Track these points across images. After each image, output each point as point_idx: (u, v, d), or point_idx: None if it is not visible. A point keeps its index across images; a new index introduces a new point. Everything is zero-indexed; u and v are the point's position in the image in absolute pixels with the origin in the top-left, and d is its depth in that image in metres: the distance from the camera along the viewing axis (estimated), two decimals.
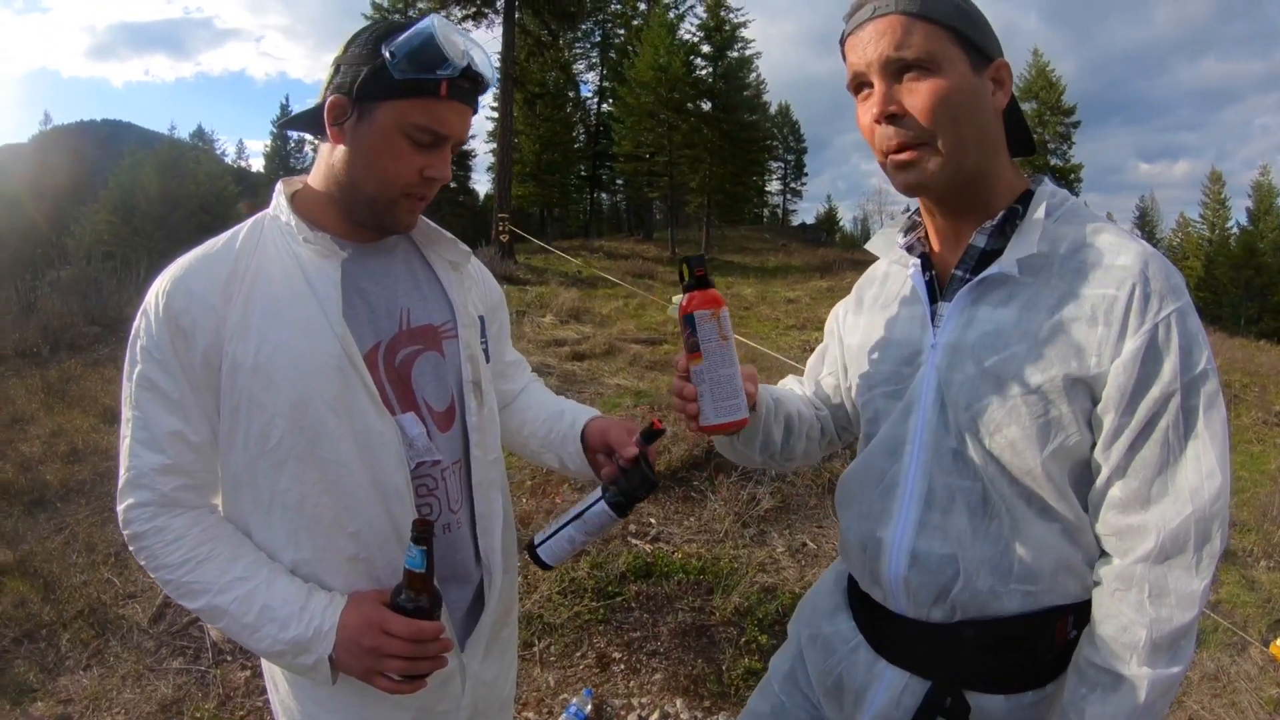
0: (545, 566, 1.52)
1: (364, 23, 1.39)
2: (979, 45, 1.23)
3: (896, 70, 1.23)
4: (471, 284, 1.60)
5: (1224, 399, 1.20)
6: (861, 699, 1.43)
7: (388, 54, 1.26)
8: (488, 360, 1.57)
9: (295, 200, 1.41)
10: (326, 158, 1.36)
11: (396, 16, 34.15)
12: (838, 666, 1.48)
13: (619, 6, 40.97)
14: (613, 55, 42.37)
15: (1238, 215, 52.24)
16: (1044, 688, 1.32)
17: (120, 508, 1.30)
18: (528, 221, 39.77)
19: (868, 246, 1.52)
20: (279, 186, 1.43)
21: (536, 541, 1.50)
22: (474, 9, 26.13)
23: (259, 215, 1.40)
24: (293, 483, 1.30)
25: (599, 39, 42.47)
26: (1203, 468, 1.16)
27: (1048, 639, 1.29)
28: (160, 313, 1.27)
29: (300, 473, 1.30)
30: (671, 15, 36.83)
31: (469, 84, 1.32)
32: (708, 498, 5.07)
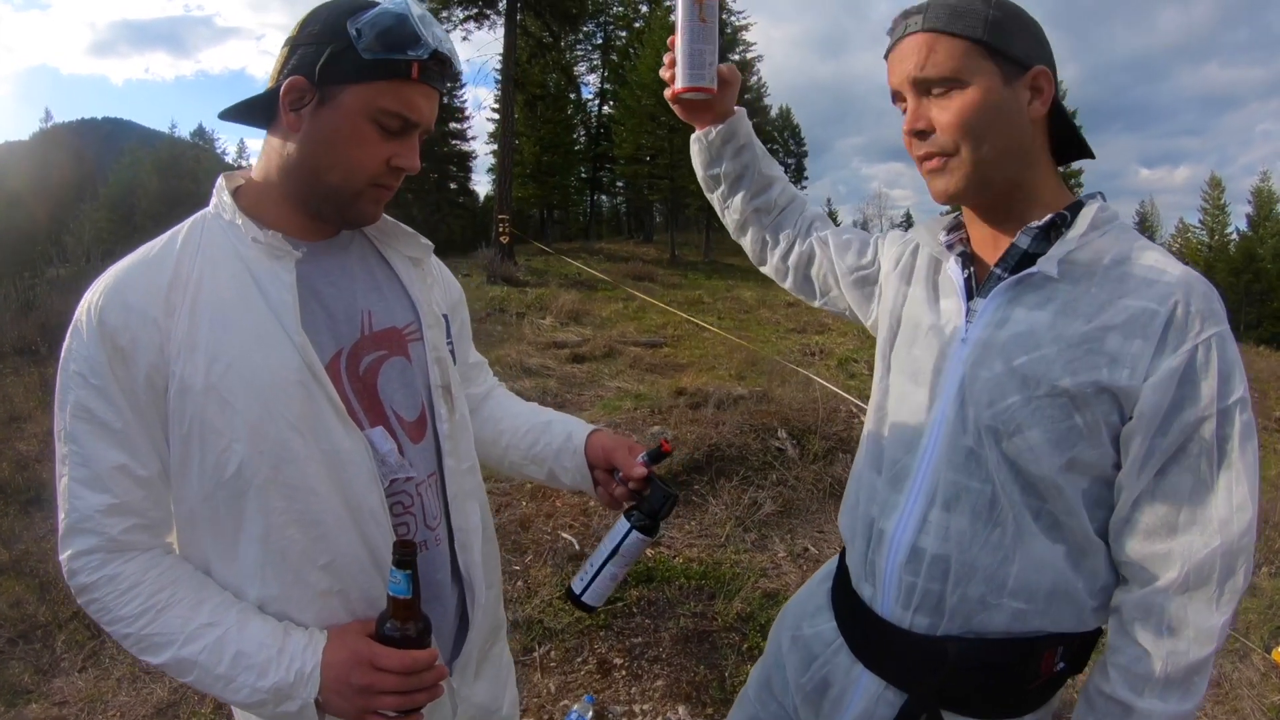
0: (591, 610, 1.47)
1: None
2: (1012, 55, 1.21)
3: (924, 88, 1.25)
4: (433, 281, 1.49)
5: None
6: (839, 705, 1.42)
7: (354, 32, 1.15)
8: (454, 362, 1.46)
9: (239, 196, 1.28)
10: (279, 148, 1.24)
11: None
12: (821, 670, 1.46)
13: (621, 9, 41.03)
14: (614, 58, 42.45)
15: (1237, 221, 52.41)
16: (1021, 719, 1.30)
17: (63, 556, 1.16)
18: (528, 223, 39.84)
19: (910, 234, 1.53)
20: (219, 182, 1.29)
21: (577, 590, 1.45)
22: (476, 10, 26.14)
23: (199, 214, 1.27)
24: (256, 514, 1.17)
25: (600, 41, 42.56)
26: (1234, 500, 1.14)
27: (1033, 668, 1.27)
28: (94, 331, 1.13)
29: (263, 503, 1.16)
30: (672, 18, 36.87)
31: (439, 66, 1.22)
32: (708, 502, 5.04)
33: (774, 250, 1.76)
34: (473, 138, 43.94)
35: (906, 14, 1.28)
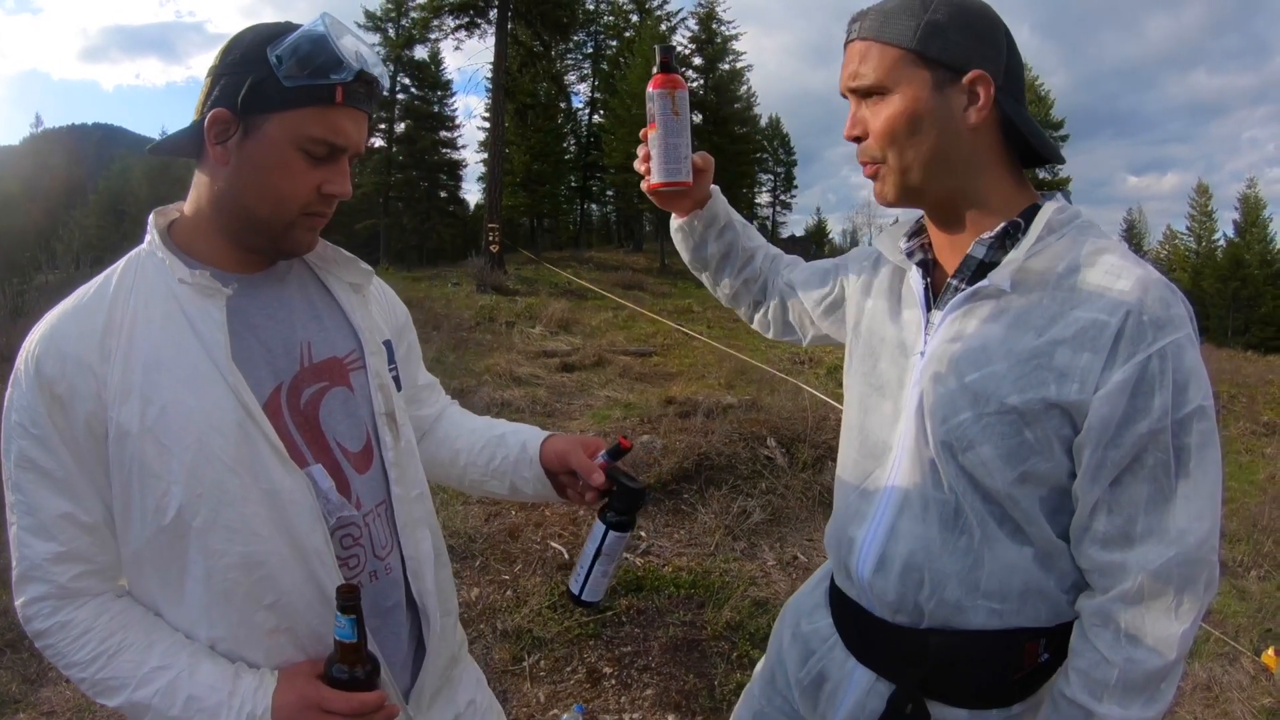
0: (593, 606, 1.48)
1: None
2: (947, 62, 1.20)
3: (860, 95, 1.27)
4: (375, 306, 1.46)
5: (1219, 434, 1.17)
6: (834, 698, 1.43)
7: (274, 59, 1.13)
8: (399, 388, 1.44)
9: (173, 232, 1.26)
10: (208, 182, 1.22)
11: (390, 26, 34.37)
12: (817, 665, 1.48)
13: (611, 18, 41.11)
14: (604, 67, 42.50)
15: (1225, 228, 52.73)
16: (1010, 708, 1.30)
17: (18, 603, 1.17)
18: (518, 232, 39.82)
19: (875, 243, 1.54)
20: (150, 219, 1.26)
21: (575, 590, 1.46)
22: (467, 19, 26.23)
23: (134, 252, 1.24)
24: (197, 557, 1.16)
25: (591, 50, 42.55)
26: (1191, 509, 1.13)
27: (1015, 659, 1.27)
28: (32, 380, 1.13)
29: (204, 545, 1.15)
30: (663, 28, 37.02)
31: (364, 88, 1.19)
32: (698, 510, 5.04)
33: (761, 308, 1.81)
34: (463, 146, 44.12)
35: (855, 17, 1.29)
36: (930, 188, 1.27)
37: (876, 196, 1.32)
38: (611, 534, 1.42)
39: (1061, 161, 1.36)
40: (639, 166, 1.59)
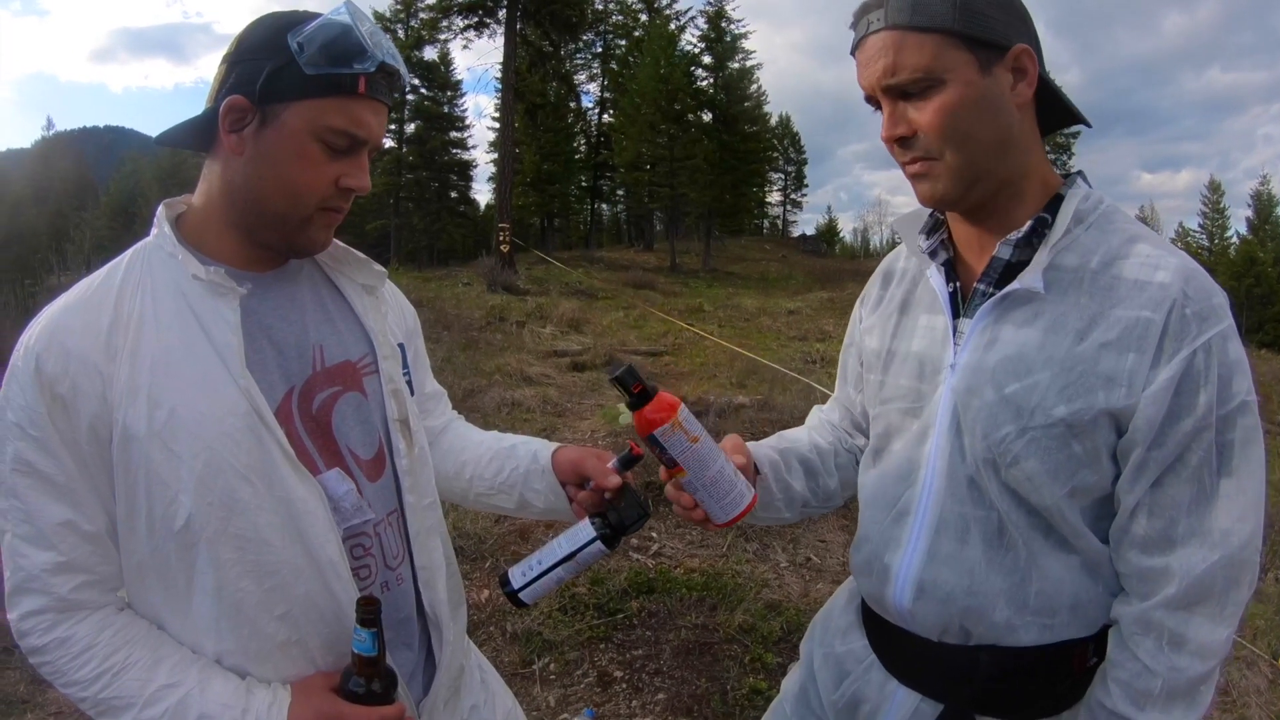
0: (521, 606, 1.40)
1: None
2: (987, 39, 1.11)
3: (897, 92, 1.16)
4: (387, 308, 1.41)
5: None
6: None
7: (295, 46, 1.09)
8: (411, 393, 1.39)
9: (181, 225, 1.21)
10: (220, 173, 1.17)
11: (399, 27, 34.45)
12: (851, 687, 1.43)
13: (620, 18, 41.16)
14: (614, 66, 42.59)
15: (1238, 225, 52.58)
16: (1060, 716, 1.26)
17: (12, 617, 1.10)
18: (528, 232, 39.92)
19: (893, 226, 1.44)
20: (160, 211, 1.21)
21: (516, 584, 1.37)
22: (476, 19, 26.33)
23: (140, 245, 1.19)
24: (207, 568, 1.11)
25: (600, 50, 42.64)
26: (1235, 509, 1.09)
27: (1065, 668, 1.23)
28: (31, 378, 1.06)
29: (214, 555, 1.11)
30: (672, 26, 37.09)
31: (386, 79, 1.16)
32: None
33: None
34: (473, 146, 44.24)
35: (866, 7, 1.17)
36: (986, 179, 1.18)
37: (925, 198, 1.22)
38: (596, 544, 1.35)
39: (1087, 124, 1.30)
40: (692, 516, 1.34)
